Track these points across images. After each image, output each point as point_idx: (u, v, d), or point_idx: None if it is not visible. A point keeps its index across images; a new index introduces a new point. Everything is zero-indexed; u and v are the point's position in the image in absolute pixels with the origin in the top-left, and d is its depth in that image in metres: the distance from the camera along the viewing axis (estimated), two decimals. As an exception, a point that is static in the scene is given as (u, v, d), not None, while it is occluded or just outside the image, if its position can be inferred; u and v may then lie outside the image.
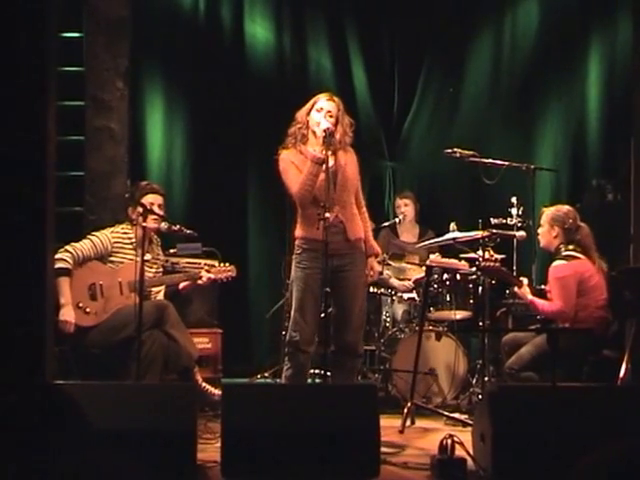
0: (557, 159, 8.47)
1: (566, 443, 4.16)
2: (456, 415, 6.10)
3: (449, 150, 6.66)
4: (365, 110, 8.79)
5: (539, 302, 6.09)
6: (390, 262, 7.21)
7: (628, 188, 7.07)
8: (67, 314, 5.83)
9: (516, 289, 6.18)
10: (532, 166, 6.90)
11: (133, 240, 6.12)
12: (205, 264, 6.30)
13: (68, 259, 5.89)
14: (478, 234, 6.31)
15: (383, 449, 4.56)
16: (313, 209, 5.41)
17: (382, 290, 7.26)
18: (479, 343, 6.76)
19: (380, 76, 8.95)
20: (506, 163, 6.74)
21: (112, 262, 6.08)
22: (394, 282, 7.28)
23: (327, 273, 5.25)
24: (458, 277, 6.89)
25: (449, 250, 6.96)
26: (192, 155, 8.54)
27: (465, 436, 4.74)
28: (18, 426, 2.37)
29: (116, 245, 6.09)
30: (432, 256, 6.90)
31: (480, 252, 6.22)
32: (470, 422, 5.47)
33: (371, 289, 7.01)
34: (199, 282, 6.21)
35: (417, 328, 6.51)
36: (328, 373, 5.48)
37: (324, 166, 5.32)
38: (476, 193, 8.23)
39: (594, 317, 6.07)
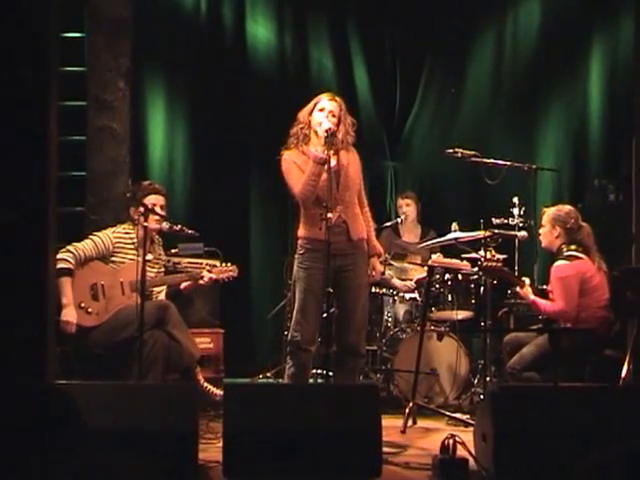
0: (559, 159, 8.46)
1: (568, 443, 4.16)
2: (458, 415, 6.10)
3: (451, 150, 6.66)
4: (367, 110, 8.79)
5: (541, 302, 6.09)
6: (392, 262, 7.21)
7: (630, 188, 7.07)
8: (69, 314, 5.83)
9: (518, 289, 6.17)
10: (534, 166, 6.91)
11: (135, 240, 6.12)
12: (207, 264, 6.30)
13: (70, 259, 5.89)
14: (480, 234, 6.31)
15: (385, 449, 4.56)
16: (316, 209, 5.41)
17: (384, 290, 7.25)
18: (481, 343, 6.76)
19: (382, 76, 8.95)
20: (508, 163, 6.74)
21: (114, 262, 6.09)
22: (396, 282, 7.28)
23: (329, 273, 5.25)
24: (460, 277, 6.90)
25: (451, 250, 6.97)
26: (194, 155, 8.53)
27: (467, 436, 4.74)
28: (19, 426, 2.37)
29: (118, 245, 6.09)
30: (434, 256, 6.90)
31: (482, 252, 6.22)
32: (472, 422, 5.47)
33: (373, 289, 7.02)
34: (201, 282, 6.21)
35: (419, 328, 6.50)
36: (330, 373, 5.48)
37: (326, 166, 5.33)
38: (478, 193, 8.23)
39: (596, 317, 6.07)
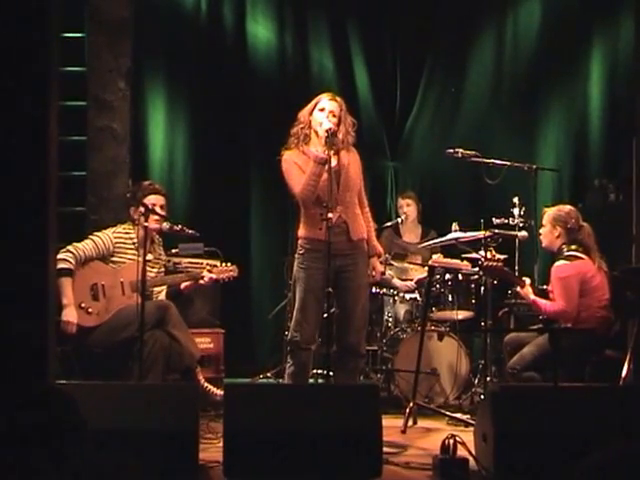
0: (559, 159, 8.45)
1: (568, 443, 4.16)
2: (458, 415, 6.10)
3: (451, 150, 6.66)
4: (367, 110, 8.79)
5: (541, 302, 6.09)
6: (392, 262, 7.21)
7: (630, 188, 7.07)
8: (69, 314, 5.84)
9: (518, 289, 6.17)
10: (534, 166, 6.91)
11: (135, 240, 6.12)
12: (207, 264, 6.30)
13: (70, 259, 5.89)
14: (480, 234, 6.31)
15: (385, 449, 4.56)
16: (316, 209, 5.41)
17: (384, 290, 7.26)
18: (481, 343, 6.76)
19: (382, 76, 8.95)
20: (508, 163, 6.74)
21: (114, 262, 6.09)
22: (396, 282, 7.28)
23: (330, 273, 5.25)
24: (460, 277, 6.90)
25: (451, 250, 6.97)
26: (194, 155, 8.53)
27: (467, 436, 4.74)
28: (19, 426, 2.37)
29: (118, 245, 6.09)
30: (434, 256, 6.91)
31: (482, 252, 6.21)
32: (472, 422, 5.47)
33: (373, 289, 7.02)
34: (201, 282, 6.21)
35: (419, 328, 6.51)
36: (330, 373, 5.48)
37: (327, 166, 5.33)
38: (478, 193, 8.23)
39: (596, 317, 6.07)
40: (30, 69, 4.11)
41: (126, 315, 5.83)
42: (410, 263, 7.41)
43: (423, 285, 6.94)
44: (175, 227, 6.09)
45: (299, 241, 5.60)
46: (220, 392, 6.09)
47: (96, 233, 6.17)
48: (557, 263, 6.13)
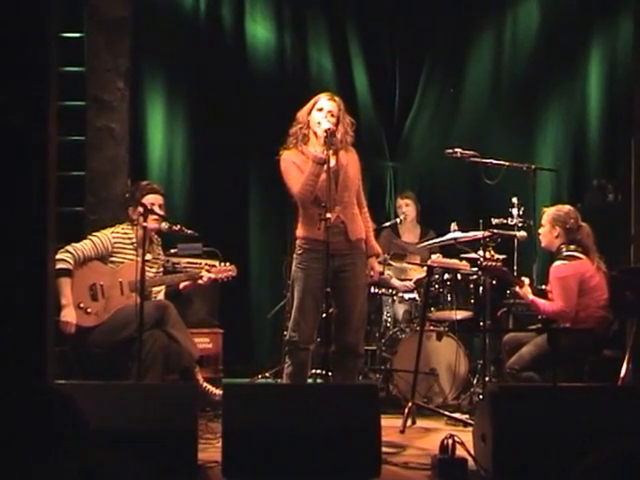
0: (558, 159, 8.46)
1: (567, 443, 4.16)
2: (457, 415, 6.11)
3: (450, 150, 6.66)
4: (366, 110, 8.79)
5: (540, 302, 6.09)
6: (391, 262, 7.21)
7: (629, 188, 7.08)
8: (68, 315, 5.83)
9: (517, 289, 6.17)
10: (533, 166, 6.91)
11: (133, 240, 6.12)
12: (206, 264, 6.30)
13: (69, 259, 5.89)
14: (479, 234, 6.32)
15: (384, 449, 4.56)
16: (314, 209, 5.41)
17: (383, 290, 7.26)
18: (480, 343, 6.76)
19: (381, 76, 8.96)
20: (507, 163, 6.74)
21: (113, 262, 6.09)
22: (395, 282, 7.29)
23: (328, 273, 5.25)
24: (459, 277, 6.90)
25: (450, 250, 6.97)
26: (193, 155, 8.54)
27: (466, 436, 4.74)
28: (18, 427, 2.37)
29: (116, 245, 6.09)
30: (433, 256, 6.91)
31: (481, 252, 6.22)
32: (471, 422, 5.47)
33: (372, 289, 7.02)
34: (199, 282, 6.21)
35: (418, 328, 6.51)
36: (329, 373, 5.48)
37: (325, 166, 5.33)
38: (477, 193, 8.24)
39: (595, 317, 6.07)
40: (29, 69, 4.11)
41: (125, 315, 5.83)
42: (409, 263, 7.42)
43: (422, 285, 6.94)
44: (174, 227, 6.09)
45: (297, 241, 5.60)
46: (219, 392, 6.09)
47: (95, 233, 6.17)
48: (556, 263, 6.13)
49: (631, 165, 7.07)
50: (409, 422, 5.91)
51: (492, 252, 6.18)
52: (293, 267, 5.63)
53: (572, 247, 6.14)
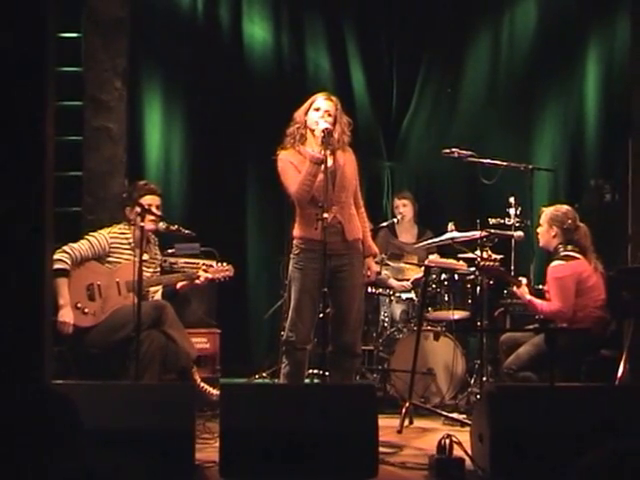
0: (555, 159, 8.45)
1: (564, 443, 4.17)
2: (454, 415, 6.11)
3: (447, 150, 6.66)
4: (363, 110, 8.79)
5: (537, 302, 6.10)
6: (388, 262, 7.22)
7: (626, 188, 7.09)
8: (66, 315, 5.84)
9: (515, 289, 6.18)
10: (530, 166, 6.91)
11: (131, 240, 6.12)
12: (203, 264, 6.30)
13: (66, 260, 5.89)
14: (476, 234, 6.32)
15: (381, 449, 4.57)
16: (311, 209, 5.41)
17: (380, 290, 7.26)
18: (477, 343, 6.76)
19: (378, 76, 8.95)
20: (504, 163, 6.74)
21: (110, 262, 6.09)
22: (392, 282, 7.28)
23: (325, 273, 5.26)
24: (456, 277, 6.91)
25: (447, 250, 6.97)
26: (190, 155, 8.54)
27: (463, 436, 4.74)
28: (16, 427, 2.37)
29: (114, 245, 6.09)
30: (431, 256, 6.92)
31: (478, 252, 6.22)
32: (468, 422, 5.47)
33: (369, 289, 7.02)
34: (196, 282, 6.21)
35: (415, 328, 6.51)
36: (326, 373, 5.48)
37: (322, 166, 5.33)
38: (474, 193, 8.23)
39: (592, 317, 6.08)
40: (27, 69, 4.10)
41: (122, 315, 5.83)
42: (406, 263, 7.43)
43: (419, 285, 6.95)
44: (171, 227, 6.10)
45: (294, 241, 5.60)
46: (216, 392, 6.10)
47: (92, 233, 6.17)
48: (553, 263, 6.14)
49: (628, 165, 7.09)
50: (406, 422, 5.90)
51: (489, 252, 6.18)
52: (290, 267, 5.63)
53: (569, 247, 6.15)
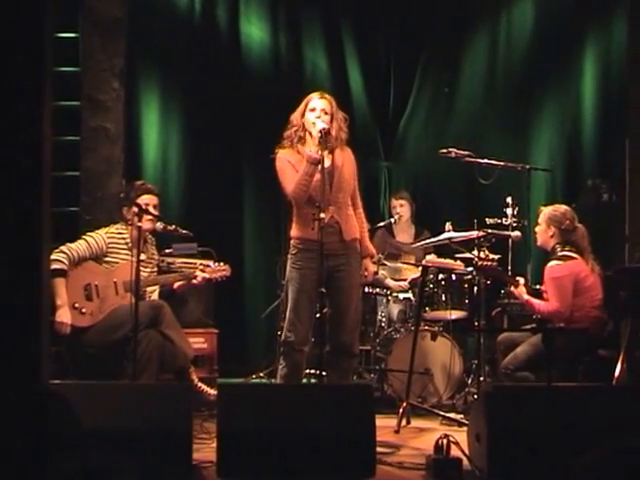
0: (552, 159, 8.46)
1: (561, 443, 4.17)
2: (452, 415, 6.11)
3: (444, 150, 6.66)
4: (360, 110, 8.80)
5: (535, 302, 6.10)
6: (386, 262, 7.22)
7: (623, 188, 7.09)
8: (63, 315, 5.83)
9: (512, 289, 6.18)
10: (527, 166, 6.91)
11: (128, 240, 6.12)
12: (200, 264, 6.30)
13: (63, 260, 5.89)
14: (473, 234, 6.32)
15: (379, 449, 4.57)
16: (308, 209, 5.41)
17: (377, 290, 7.26)
18: (475, 343, 6.76)
19: (375, 76, 8.97)
20: (501, 163, 6.74)
21: (107, 262, 6.08)
22: (390, 282, 7.28)
23: (322, 273, 5.25)
24: (454, 277, 6.91)
25: (445, 250, 6.97)
26: (187, 155, 8.54)
27: (460, 436, 4.74)
28: (14, 427, 2.37)
29: (111, 245, 6.09)
30: (428, 256, 6.92)
31: (475, 252, 6.22)
32: (466, 422, 5.48)
33: (366, 289, 7.03)
34: (194, 282, 6.21)
35: (413, 328, 6.52)
36: (324, 373, 5.48)
37: (319, 166, 5.32)
38: (471, 193, 8.22)
39: (589, 317, 6.08)
40: (24, 69, 4.10)
41: (120, 315, 5.83)
42: (403, 263, 7.43)
43: (416, 285, 6.95)
44: (169, 227, 6.10)
45: (292, 241, 5.60)
46: (213, 392, 6.09)
47: (89, 233, 6.17)
48: (550, 263, 6.14)
49: (625, 165, 7.08)
50: (404, 422, 5.90)
51: (487, 252, 6.18)
52: (287, 267, 5.63)
53: (567, 247, 6.15)
